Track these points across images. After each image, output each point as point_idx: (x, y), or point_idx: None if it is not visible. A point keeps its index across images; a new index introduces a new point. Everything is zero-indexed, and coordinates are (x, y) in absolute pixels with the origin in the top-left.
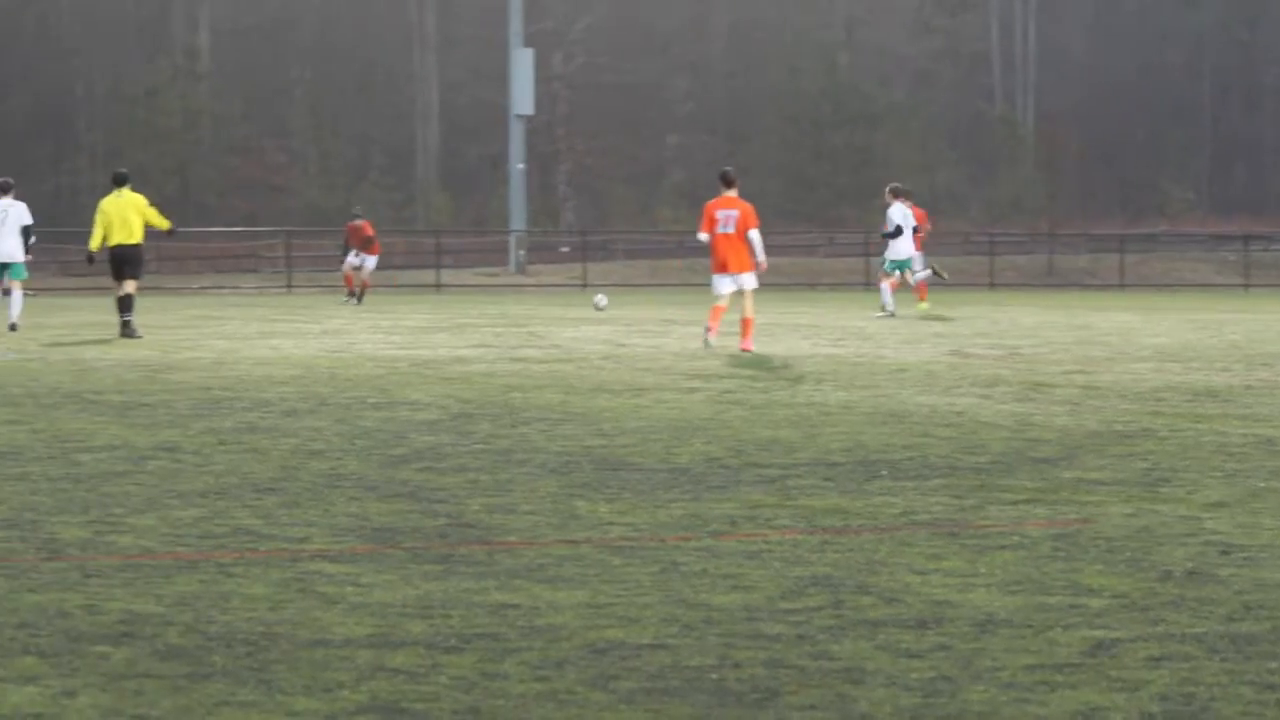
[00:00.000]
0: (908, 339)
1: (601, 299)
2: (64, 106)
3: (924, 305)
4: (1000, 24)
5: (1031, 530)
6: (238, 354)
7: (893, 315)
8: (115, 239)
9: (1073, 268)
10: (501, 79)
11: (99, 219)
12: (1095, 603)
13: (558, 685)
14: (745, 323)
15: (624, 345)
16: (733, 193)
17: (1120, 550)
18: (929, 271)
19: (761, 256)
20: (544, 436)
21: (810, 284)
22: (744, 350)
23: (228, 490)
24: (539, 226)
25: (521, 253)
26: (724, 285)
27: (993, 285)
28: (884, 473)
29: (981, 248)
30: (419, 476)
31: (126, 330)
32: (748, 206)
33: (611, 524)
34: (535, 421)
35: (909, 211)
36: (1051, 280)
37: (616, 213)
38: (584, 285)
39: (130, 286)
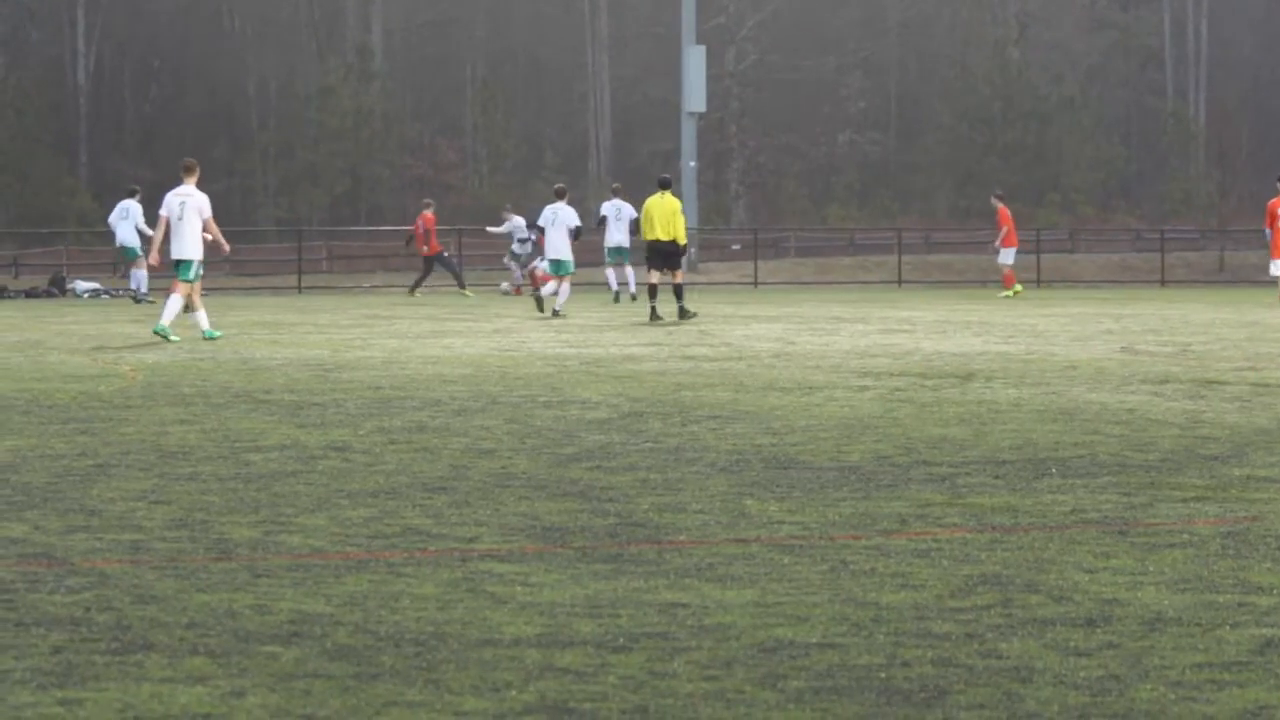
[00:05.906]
0: (1078, 336)
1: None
2: (237, 106)
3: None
4: (1172, 19)
5: (1201, 528)
6: (408, 353)
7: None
8: (654, 235)
9: (1244, 264)
10: (673, 76)
11: (643, 216)
12: (1264, 601)
13: (726, 684)
14: None
15: (794, 343)
16: None
17: None
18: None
19: None
20: (714, 435)
21: (981, 281)
22: None
23: (398, 490)
24: (710, 224)
25: (693, 250)
26: (1276, 269)
27: (1164, 282)
28: (1053, 470)
29: (1152, 244)
30: (589, 475)
31: (684, 315)
32: None
33: (781, 522)
34: (705, 420)
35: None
36: (1223, 277)
37: (788, 210)
38: (755, 283)
39: (677, 276)
